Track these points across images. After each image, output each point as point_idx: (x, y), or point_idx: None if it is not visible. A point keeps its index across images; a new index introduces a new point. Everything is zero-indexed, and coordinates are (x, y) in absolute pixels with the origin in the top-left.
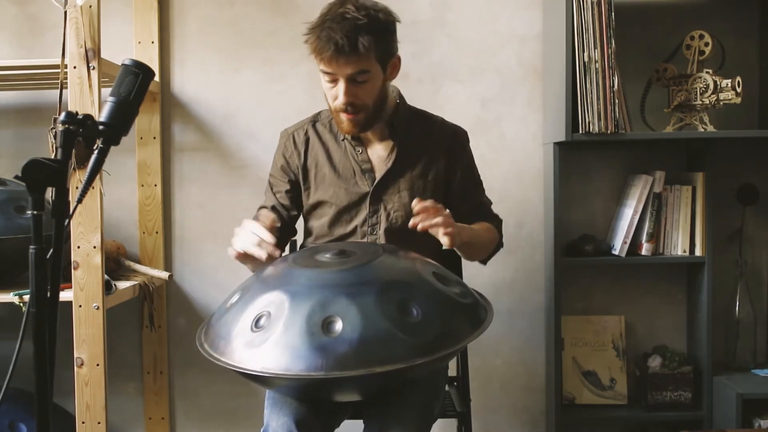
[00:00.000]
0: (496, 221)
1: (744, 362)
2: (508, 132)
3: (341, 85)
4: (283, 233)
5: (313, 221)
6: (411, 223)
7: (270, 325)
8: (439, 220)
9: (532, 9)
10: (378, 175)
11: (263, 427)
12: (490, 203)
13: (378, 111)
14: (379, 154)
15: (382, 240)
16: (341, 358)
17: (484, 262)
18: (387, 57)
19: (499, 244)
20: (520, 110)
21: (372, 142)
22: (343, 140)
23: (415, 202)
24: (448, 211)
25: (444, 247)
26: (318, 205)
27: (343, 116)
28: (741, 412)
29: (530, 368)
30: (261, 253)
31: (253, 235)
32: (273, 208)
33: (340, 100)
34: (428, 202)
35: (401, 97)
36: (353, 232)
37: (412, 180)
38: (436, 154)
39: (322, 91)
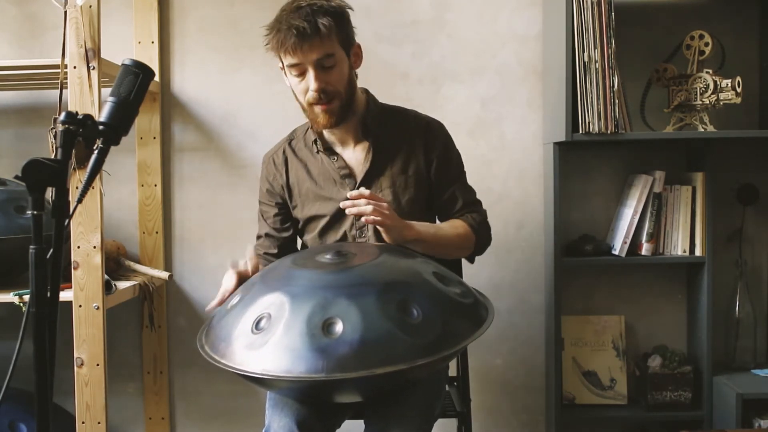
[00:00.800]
0: (478, 217)
1: (744, 362)
2: (508, 132)
3: (310, 74)
4: (282, 255)
5: (306, 235)
6: (341, 205)
7: (270, 326)
8: (367, 208)
9: (532, 9)
10: (359, 178)
11: (264, 428)
12: (472, 198)
13: (350, 100)
14: (357, 157)
15: (372, 241)
16: (342, 360)
17: (470, 260)
18: (348, 42)
19: (482, 242)
20: (520, 110)
21: (347, 147)
22: (317, 153)
23: (354, 192)
24: (386, 203)
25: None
26: (309, 220)
27: (318, 108)
28: (741, 412)
29: (530, 368)
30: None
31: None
32: (267, 236)
33: (312, 87)
34: (365, 191)
35: (370, 95)
36: (344, 237)
37: (392, 177)
38: (414, 148)
39: None
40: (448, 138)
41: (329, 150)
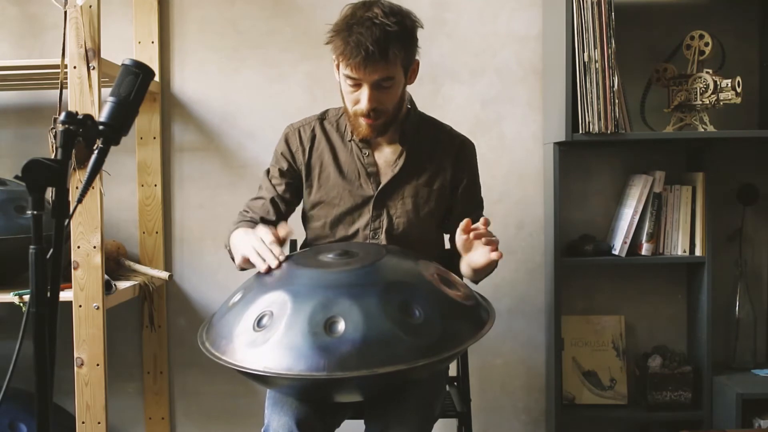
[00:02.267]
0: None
1: (744, 362)
2: (508, 132)
3: (365, 91)
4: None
5: (314, 221)
6: (494, 256)
7: (272, 324)
8: (495, 238)
9: (532, 9)
10: (383, 180)
11: (264, 427)
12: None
13: (395, 116)
14: (387, 158)
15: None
16: (343, 359)
17: (475, 282)
18: (410, 63)
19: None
20: (520, 110)
21: (380, 145)
22: (350, 141)
23: (467, 221)
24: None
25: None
26: (318, 204)
27: (363, 121)
28: (741, 412)
29: (530, 368)
30: (261, 264)
31: (261, 244)
32: (272, 201)
33: (363, 105)
34: (483, 224)
35: (412, 102)
36: (355, 234)
37: (417, 188)
38: (444, 164)
39: (321, 92)
40: (476, 159)
41: (363, 141)
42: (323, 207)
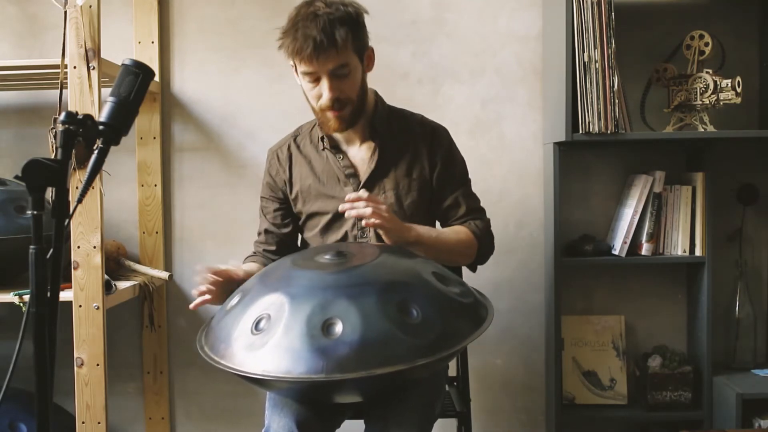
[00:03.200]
0: (481, 224)
1: (744, 362)
2: (508, 132)
3: (324, 82)
4: (282, 253)
5: (307, 232)
6: (340, 208)
7: (270, 327)
8: (366, 211)
9: (532, 9)
10: (363, 178)
11: (264, 429)
12: (475, 205)
13: (361, 105)
14: (362, 156)
15: (373, 242)
16: (342, 361)
17: (472, 269)
18: (362, 48)
19: (485, 250)
20: (520, 110)
21: (353, 145)
22: (323, 150)
23: (353, 194)
24: (385, 206)
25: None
26: (310, 217)
27: (330, 114)
28: (741, 412)
29: (530, 368)
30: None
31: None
32: (266, 232)
33: (326, 96)
34: (363, 193)
35: (379, 96)
36: (345, 236)
37: (396, 179)
38: (419, 152)
39: None
40: (452, 143)
41: (335, 148)
42: (312, 218)
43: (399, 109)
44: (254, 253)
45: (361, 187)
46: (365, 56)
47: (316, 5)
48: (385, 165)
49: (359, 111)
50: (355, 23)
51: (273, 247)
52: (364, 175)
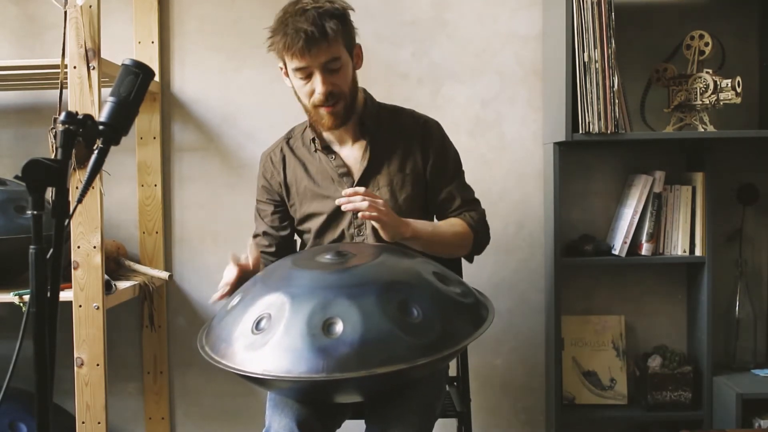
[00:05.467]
0: (476, 216)
1: (744, 362)
2: (508, 132)
3: (317, 77)
4: (280, 255)
5: (304, 234)
6: (336, 202)
7: (271, 327)
8: (362, 204)
9: (532, 9)
10: (356, 177)
11: (265, 429)
12: (470, 197)
13: (353, 101)
14: (354, 155)
15: (370, 239)
16: (342, 360)
17: (469, 259)
18: (351, 43)
19: (481, 240)
20: (520, 110)
21: (345, 145)
22: (315, 151)
23: (349, 189)
24: (382, 200)
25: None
26: (306, 218)
27: (323, 111)
28: (741, 412)
29: (530, 368)
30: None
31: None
32: (264, 234)
33: (319, 90)
34: (360, 189)
35: (368, 94)
36: (341, 236)
37: (389, 175)
38: (411, 147)
39: None
40: (445, 137)
41: (327, 149)
42: (309, 220)
43: (389, 105)
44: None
45: (355, 185)
46: (354, 53)
47: (303, 2)
48: (378, 162)
49: (351, 107)
50: (343, 17)
51: (272, 249)
52: (357, 173)
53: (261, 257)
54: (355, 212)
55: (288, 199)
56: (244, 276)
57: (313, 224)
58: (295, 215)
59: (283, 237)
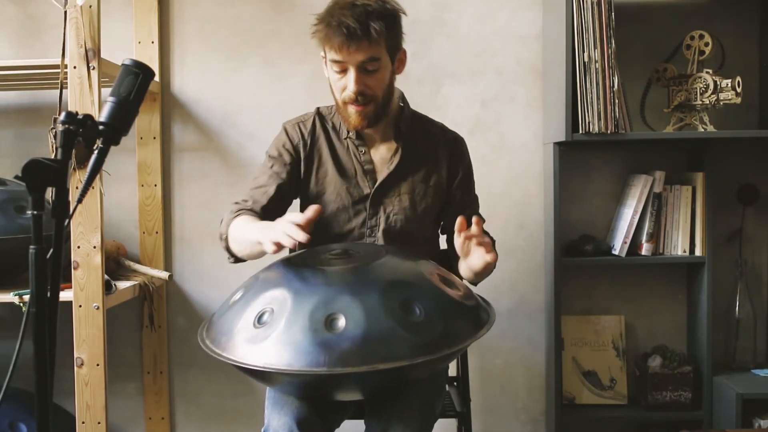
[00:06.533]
0: (493, 242)
1: (744, 362)
2: (508, 132)
3: (351, 74)
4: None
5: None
6: (464, 234)
7: (273, 321)
8: (487, 239)
9: (532, 9)
10: (380, 177)
11: (264, 427)
12: (484, 222)
13: (385, 106)
14: (382, 155)
15: (380, 242)
16: (344, 355)
17: (474, 284)
18: (395, 47)
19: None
20: (520, 110)
21: (375, 143)
22: (345, 138)
23: (461, 219)
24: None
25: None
26: (315, 198)
27: (352, 108)
28: (741, 412)
29: (530, 368)
30: (288, 242)
31: (291, 226)
32: (279, 187)
33: (350, 88)
34: (474, 227)
35: (405, 99)
36: (351, 232)
37: (413, 184)
38: (438, 160)
39: (322, 92)
40: (469, 154)
41: (360, 138)
42: (318, 202)
43: (421, 115)
44: (249, 209)
45: (377, 187)
46: (397, 57)
47: None
48: (405, 168)
49: (382, 111)
50: (392, 19)
51: (281, 205)
52: (381, 174)
53: (247, 213)
54: (482, 247)
55: (306, 172)
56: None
57: (323, 210)
58: (306, 191)
59: (287, 203)
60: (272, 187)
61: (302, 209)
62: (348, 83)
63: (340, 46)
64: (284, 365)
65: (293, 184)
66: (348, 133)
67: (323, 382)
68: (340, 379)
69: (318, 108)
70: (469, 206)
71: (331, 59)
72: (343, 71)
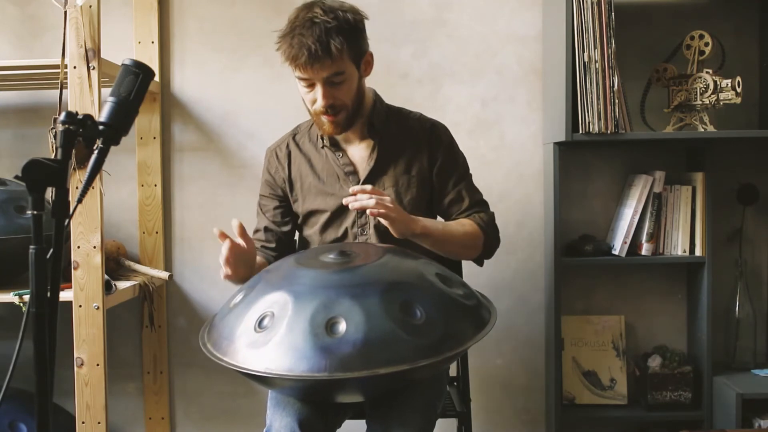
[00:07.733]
0: (485, 217)
1: (744, 362)
2: (508, 132)
3: (319, 89)
4: (281, 251)
5: (307, 230)
6: (344, 201)
7: (273, 325)
8: (369, 202)
9: (532, 9)
10: (362, 176)
11: (266, 428)
12: (479, 198)
13: (357, 109)
14: (361, 154)
15: (373, 239)
16: (345, 359)
17: (479, 263)
18: (359, 55)
19: (491, 243)
20: (520, 110)
21: (352, 144)
22: (322, 148)
23: (356, 187)
24: (389, 197)
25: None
26: (309, 215)
27: (324, 119)
28: (741, 412)
29: (530, 368)
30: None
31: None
32: (266, 229)
33: (319, 103)
34: (367, 186)
35: (377, 95)
36: (344, 234)
37: (395, 176)
38: (418, 149)
39: None
40: (452, 140)
41: (335, 146)
42: (313, 216)
43: (397, 108)
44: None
45: (361, 184)
46: (362, 62)
47: (314, 11)
48: (384, 162)
49: (354, 115)
50: (352, 31)
51: (272, 245)
52: (363, 172)
53: (262, 252)
54: (361, 210)
55: (291, 194)
56: (240, 253)
57: (316, 221)
58: (298, 211)
59: (284, 233)
60: (261, 230)
61: (301, 224)
62: (317, 97)
63: (303, 66)
64: (285, 370)
65: (285, 214)
66: (323, 143)
67: (324, 386)
68: (341, 384)
69: (297, 126)
70: (460, 187)
71: (297, 76)
72: (311, 86)
